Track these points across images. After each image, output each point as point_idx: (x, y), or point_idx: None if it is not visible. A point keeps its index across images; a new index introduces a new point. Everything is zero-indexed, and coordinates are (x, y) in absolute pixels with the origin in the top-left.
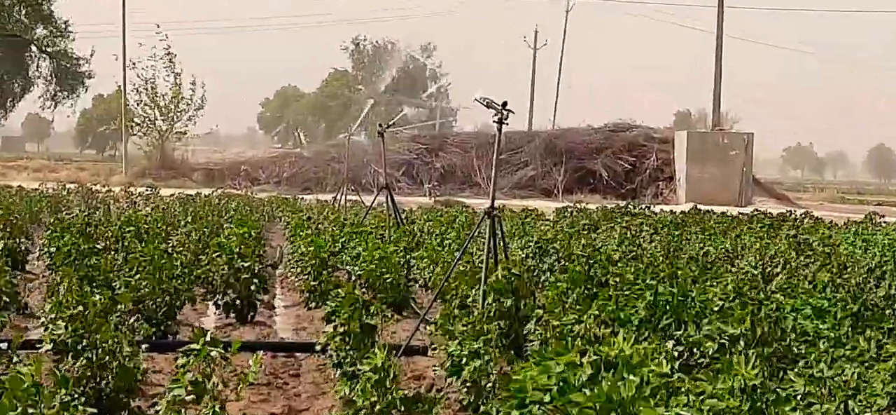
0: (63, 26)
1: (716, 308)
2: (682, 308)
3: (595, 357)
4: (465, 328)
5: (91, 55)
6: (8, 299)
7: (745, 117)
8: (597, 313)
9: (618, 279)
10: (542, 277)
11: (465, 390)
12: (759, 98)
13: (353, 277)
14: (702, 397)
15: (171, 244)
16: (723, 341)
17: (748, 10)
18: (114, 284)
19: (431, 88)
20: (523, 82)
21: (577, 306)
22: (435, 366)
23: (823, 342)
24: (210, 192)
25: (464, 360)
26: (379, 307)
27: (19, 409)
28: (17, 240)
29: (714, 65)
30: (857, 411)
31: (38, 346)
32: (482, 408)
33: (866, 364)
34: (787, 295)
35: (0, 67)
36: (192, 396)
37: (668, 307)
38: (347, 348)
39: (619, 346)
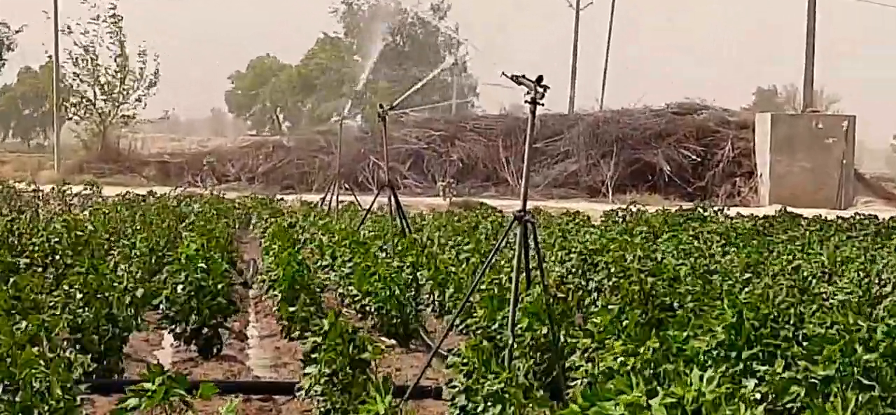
0: None
1: (807, 340)
2: (768, 338)
3: (669, 399)
4: (484, 366)
5: (17, 31)
6: None
7: (845, 96)
8: (657, 345)
9: (688, 299)
10: (588, 299)
11: None
12: (863, 72)
13: (346, 300)
14: None
15: (116, 259)
16: (814, 380)
17: None
18: (44, 309)
19: (446, 61)
20: (563, 53)
21: (634, 335)
22: (450, 411)
23: None
24: (166, 191)
25: (480, 407)
26: (365, 338)
27: None
28: None
29: (805, 30)
30: None
31: None
32: None
33: None
34: None
35: None
36: None
37: (751, 337)
38: (336, 390)
39: (697, 386)
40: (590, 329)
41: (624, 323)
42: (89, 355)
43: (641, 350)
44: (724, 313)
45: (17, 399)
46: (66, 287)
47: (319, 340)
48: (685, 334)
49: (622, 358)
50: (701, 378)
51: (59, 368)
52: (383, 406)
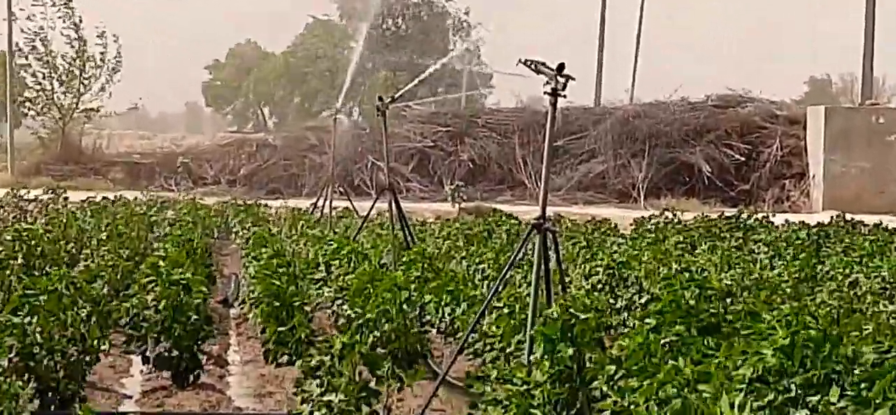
0: None
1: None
2: (825, 362)
3: None
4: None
5: None
6: None
7: None
8: (690, 372)
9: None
10: (617, 320)
11: None
12: None
13: (341, 320)
14: None
15: (78, 273)
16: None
17: None
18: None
19: (456, 48)
20: (589, 38)
21: (671, 357)
22: None
23: None
24: (135, 195)
25: None
26: (380, 363)
27: None
28: None
29: (864, 10)
30: None
31: None
32: None
33: None
34: None
35: None
36: None
37: (805, 362)
38: None
39: None
40: (617, 355)
41: (659, 342)
42: (47, 385)
43: (683, 370)
44: (775, 332)
45: None
46: (18, 306)
47: (326, 360)
48: (730, 357)
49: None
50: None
51: (8, 400)
52: None
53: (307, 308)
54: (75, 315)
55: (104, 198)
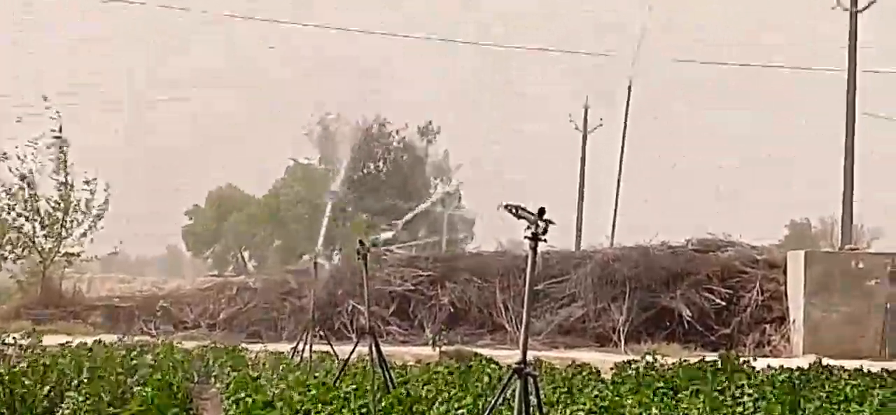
0: None
1: None
2: None
3: None
4: None
5: None
6: None
7: (890, 230)
8: None
9: None
10: None
11: None
12: None
13: None
14: None
15: None
16: None
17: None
18: None
19: (436, 191)
20: (569, 183)
21: None
22: None
23: None
24: (115, 339)
25: None
26: None
27: None
28: None
29: (844, 155)
30: None
31: None
32: None
33: None
34: None
35: None
36: None
37: None
38: None
39: None
40: None
41: None
42: None
43: None
44: None
45: None
46: None
47: None
48: None
49: None
50: None
51: None
52: None
53: None
54: None
55: (83, 342)
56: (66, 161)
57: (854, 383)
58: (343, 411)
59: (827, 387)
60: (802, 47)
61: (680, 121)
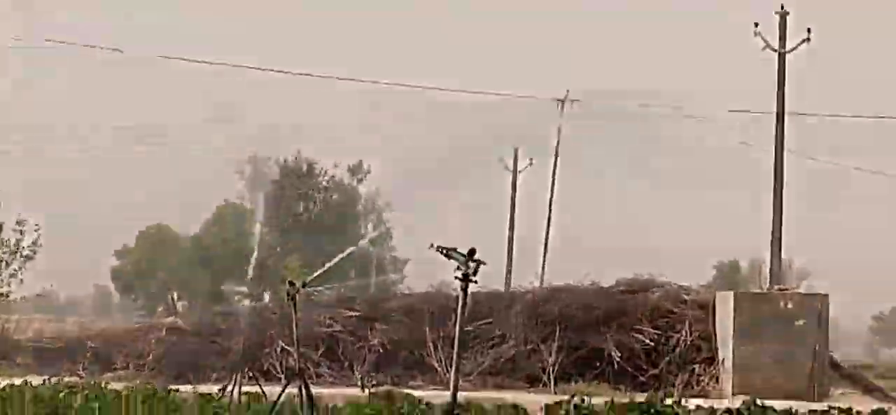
0: None
1: None
2: None
3: None
4: None
5: None
6: None
7: (818, 271)
8: None
9: None
10: None
11: None
12: (838, 242)
13: None
14: None
15: None
16: None
17: (822, 118)
18: None
19: (368, 234)
20: (499, 223)
21: None
22: None
23: None
24: (42, 381)
25: None
26: None
27: None
28: None
29: (772, 195)
30: None
31: None
32: None
33: None
34: None
35: None
36: None
37: None
38: None
39: None
40: None
41: None
42: None
43: None
44: None
45: None
46: None
47: None
48: None
49: None
50: None
51: None
52: None
53: None
54: None
55: (9, 383)
56: None
57: None
58: None
59: None
60: (735, 89)
61: (606, 161)
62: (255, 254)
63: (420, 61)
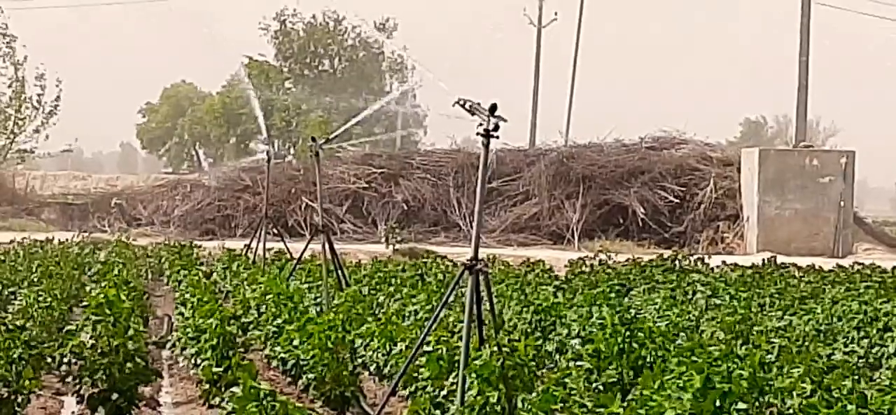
0: None
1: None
2: (750, 400)
3: None
4: None
5: None
6: None
7: (845, 128)
8: (619, 411)
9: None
10: (548, 362)
11: None
12: (864, 101)
13: (274, 362)
14: None
15: (10, 314)
16: None
17: None
18: None
19: (394, 90)
20: (524, 80)
21: (605, 396)
22: None
23: None
24: (68, 236)
25: None
26: (291, 405)
27: None
28: None
29: (798, 54)
30: None
31: None
32: None
33: None
34: None
35: None
36: None
37: (725, 400)
38: None
39: None
40: (542, 397)
41: (594, 384)
42: None
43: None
44: (692, 378)
45: None
46: None
47: (232, 407)
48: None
49: None
50: None
51: None
52: None
53: (242, 351)
54: (8, 356)
55: (35, 239)
56: (15, 56)
57: (807, 280)
58: (295, 308)
59: (780, 284)
60: None
61: (634, 20)
62: (254, 102)
63: None
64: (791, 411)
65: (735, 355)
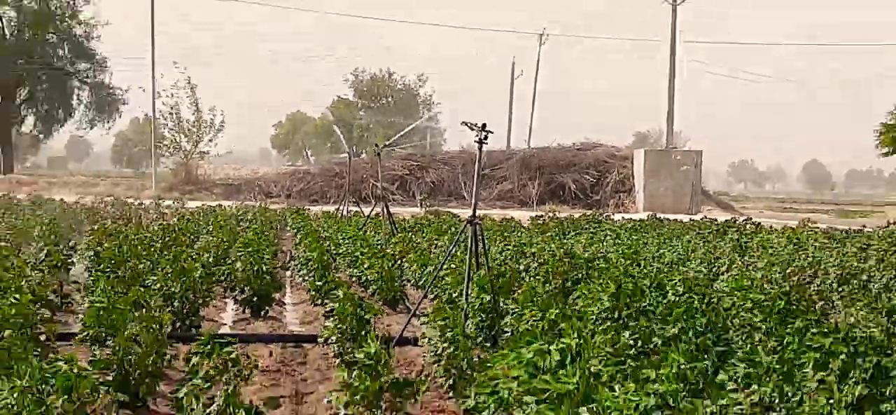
0: (101, 61)
1: (663, 306)
2: (639, 302)
3: (562, 345)
4: (443, 322)
5: (126, 91)
6: (53, 298)
7: (695, 136)
8: (558, 310)
9: (586, 276)
10: (519, 279)
11: (446, 375)
12: (708, 118)
13: (353, 278)
14: (647, 382)
15: (194, 250)
16: (668, 335)
17: (699, 44)
18: (146, 284)
19: (424, 116)
20: (503, 107)
21: (551, 301)
22: (424, 354)
23: (759, 333)
24: (229, 204)
25: (440, 349)
26: (370, 306)
27: (59, 396)
28: (60, 246)
29: (667, 91)
30: (790, 393)
31: (74, 337)
32: (462, 392)
33: (795, 351)
34: (730, 292)
35: (46, 97)
36: (207, 383)
37: (628, 302)
38: (346, 339)
39: (574, 337)
40: (517, 298)
41: (543, 293)
42: (177, 316)
43: (548, 313)
44: (609, 286)
45: (119, 345)
46: (160, 269)
47: (336, 304)
48: (584, 300)
49: (537, 319)
50: (577, 332)
51: (152, 324)
52: (375, 347)
53: (335, 271)
54: (193, 274)
55: (210, 206)
56: (196, 97)
57: (673, 228)
58: (366, 245)
59: (656, 231)
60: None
61: (572, 69)
62: (347, 129)
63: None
64: (673, 300)
65: (631, 272)
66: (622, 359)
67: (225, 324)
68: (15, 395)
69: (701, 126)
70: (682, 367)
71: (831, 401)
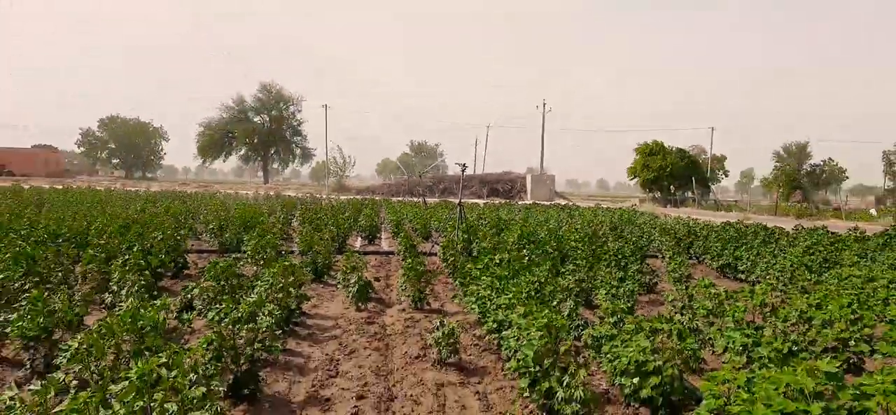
0: (304, 135)
1: (535, 241)
2: (530, 238)
3: (498, 258)
4: (446, 248)
5: (315, 149)
6: (284, 239)
7: (552, 167)
8: (496, 240)
9: (506, 228)
10: (478, 228)
11: (450, 270)
12: (560, 160)
13: (410, 227)
14: (533, 273)
15: (339, 217)
16: (533, 258)
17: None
18: (326, 225)
19: (437, 160)
20: (470, 160)
21: (492, 238)
22: (437, 260)
23: (578, 250)
24: (358, 197)
25: (446, 255)
26: (414, 239)
27: (288, 275)
28: (288, 213)
29: (541, 148)
30: (594, 275)
31: (293, 251)
32: (455, 277)
33: (596, 255)
34: (567, 233)
35: (281, 152)
36: (350, 270)
37: (527, 238)
38: (405, 252)
39: (503, 253)
40: (479, 237)
41: (488, 233)
42: (336, 241)
43: (491, 242)
44: (517, 230)
45: (312, 252)
46: (329, 221)
47: (401, 237)
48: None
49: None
50: (506, 250)
51: (326, 244)
52: (413, 256)
53: (406, 225)
54: (342, 223)
55: (350, 198)
56: (343, 153)
57: (543, 209)
58: (417, 212)
59: (536, 208)
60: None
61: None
62: (405, 170)
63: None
64: (543, 237)
65: (526, 226)
66: (524, 263)
67: (357, 247)
68: (272, 273)
69: (554, 161)
70: (550, 266)
71: (613, 281)
